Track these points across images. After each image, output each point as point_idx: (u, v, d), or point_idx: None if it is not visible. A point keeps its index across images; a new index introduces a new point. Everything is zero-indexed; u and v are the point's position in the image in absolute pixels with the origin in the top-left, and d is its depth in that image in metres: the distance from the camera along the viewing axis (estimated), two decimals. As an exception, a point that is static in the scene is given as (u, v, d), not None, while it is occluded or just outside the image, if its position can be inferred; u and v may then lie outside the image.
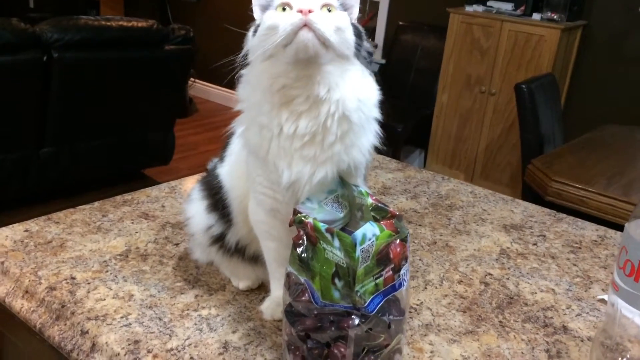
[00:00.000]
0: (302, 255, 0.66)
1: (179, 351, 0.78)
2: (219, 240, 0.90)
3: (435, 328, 0.87)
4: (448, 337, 0.85)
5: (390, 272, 0.67)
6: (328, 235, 0.64)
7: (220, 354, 0.78)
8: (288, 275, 0.70)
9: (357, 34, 0.74)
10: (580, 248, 1.16)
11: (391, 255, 0.67)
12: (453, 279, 1.01)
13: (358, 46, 0.74)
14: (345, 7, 0.75)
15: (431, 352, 0.81)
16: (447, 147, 3.99)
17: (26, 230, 1.05)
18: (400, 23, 4.40)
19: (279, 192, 0.77)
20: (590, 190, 2.01)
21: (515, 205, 1.34)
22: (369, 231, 0.64)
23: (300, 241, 0.67)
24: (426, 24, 4.28)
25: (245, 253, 0.90)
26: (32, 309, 0.87)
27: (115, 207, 1.16)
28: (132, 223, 1.11)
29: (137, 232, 1.07)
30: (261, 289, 0.93)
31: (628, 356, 0.73)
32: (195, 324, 0.83)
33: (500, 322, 0.90)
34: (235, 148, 0.87)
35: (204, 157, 4.29)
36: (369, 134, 0.77)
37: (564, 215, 1.31)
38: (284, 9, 0.71)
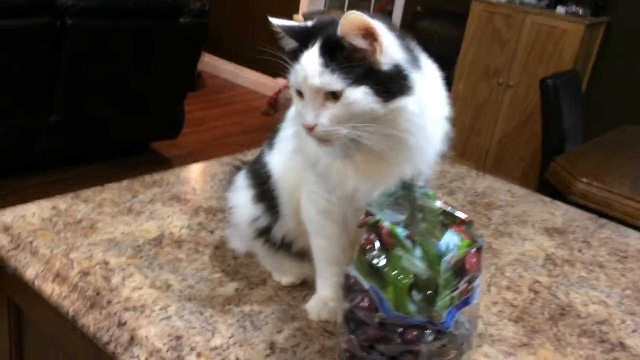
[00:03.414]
0: (373, 261, 0.61)
1: (223, 350, 0.73)
2: (264, 233, 0.85)
3: (489, 338, 0.82)
4: (503, 349, 0.80)
5: (466, 285, 0.62)
6: (408, 243, 0.59)
7: (267, 355, 0.73)
8: (348, 278, 0.66)
9: (393, 76, 0.65)
10: (626, 257, 1.11)
11: (467, 266, 0.62)
12: (501, 284, 0.96)
13: (401, 81, 0.66)
14: (370, 51, 0.65)
15: (487, 364, 0.77)
16: (459, 137, 3.92)
17: (54, 208, 0.99)
18: (418, 9, 4.30)
19: (333, 195, 0.73)
20: (615, 193, 1.97)
21: (555, 207, 1.29)
22: (451, 241, 0.59)
23: (371, 246, 0.62)
24: (445, 10, 4.18)
25: (292, 248, 0.85)
26: (64, 294, 0.83)
27: (144, 187, 1.11)
28: (164, 206, 1.05)
29: (169, 216, 1.02)
30: (303, 285, 0.89)
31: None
32: (238, 321, 0.79)
33: (555, 334, 0.85)
34: (287, 135, 0.82)
35: (212, 134, 4.23)
36: (436, 142, 0.72)
37: (605, 220, 1.26)
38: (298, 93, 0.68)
